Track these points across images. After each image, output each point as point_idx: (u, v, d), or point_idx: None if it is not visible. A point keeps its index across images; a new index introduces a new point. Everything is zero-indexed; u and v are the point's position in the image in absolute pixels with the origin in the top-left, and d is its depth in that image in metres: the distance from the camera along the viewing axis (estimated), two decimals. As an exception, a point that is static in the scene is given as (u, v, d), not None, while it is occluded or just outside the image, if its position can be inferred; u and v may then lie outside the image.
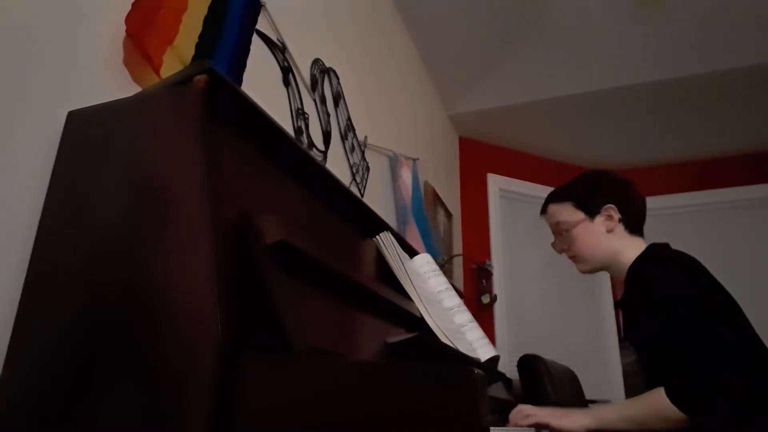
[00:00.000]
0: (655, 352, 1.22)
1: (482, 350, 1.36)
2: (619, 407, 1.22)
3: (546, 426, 1.19)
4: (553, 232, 1.50)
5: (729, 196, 3.49)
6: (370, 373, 0.59)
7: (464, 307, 1.46)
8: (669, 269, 1.27)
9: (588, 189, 1.45)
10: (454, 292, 1.46)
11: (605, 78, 2.93)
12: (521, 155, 3.67)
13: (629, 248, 1.37)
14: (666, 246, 1.37)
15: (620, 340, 3.41)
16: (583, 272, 1.47)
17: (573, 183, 1.49)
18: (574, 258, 1.45)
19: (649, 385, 1.19)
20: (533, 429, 1.20)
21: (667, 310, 1.19)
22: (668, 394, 1.10)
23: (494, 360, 1.39)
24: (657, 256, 1.33)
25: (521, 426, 1.19)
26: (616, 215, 1.39)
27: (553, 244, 1.50)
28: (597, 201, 1.41)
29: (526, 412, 1.20)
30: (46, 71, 0.83)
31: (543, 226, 1.57)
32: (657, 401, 1.11)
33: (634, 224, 1.41)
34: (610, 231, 1.39)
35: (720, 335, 1.12)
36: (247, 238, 0.68)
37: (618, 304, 1.36)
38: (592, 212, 1.41)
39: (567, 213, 1.44)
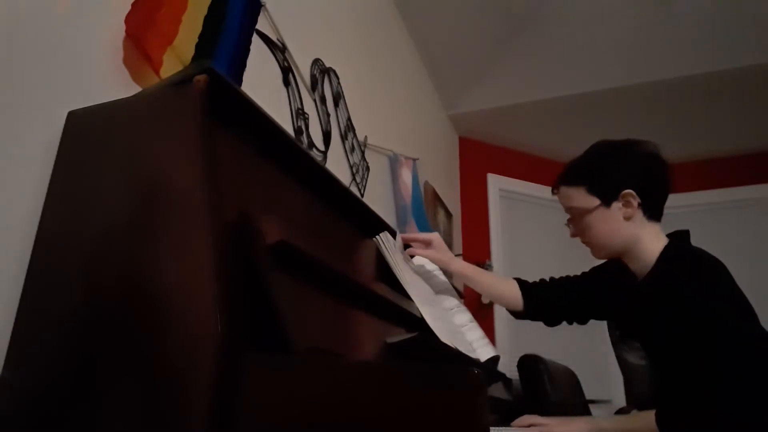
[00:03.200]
0: (673, 358, 1.18)
1: (482, 350, 1.36)
2: (617, 420, 1.21)
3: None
4: (567, 213, 1.35)
5: (729, 196, 3.49)
6: (370, 373, 0.59)
7: (464, 308, 1.46)
8: (706, 278, 1.17)
9: (604, 170, 1.29)
10: (454, 292, 1.46)
11: (604, 78, 2.93)
12: (521, 155, 3.67)
13: (648, 236, 1.26)
14: (688, 241, 1.28)
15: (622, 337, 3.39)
16: (598, 258, 1.35)
17: (588, 159, 1.32)
18: (588, 244, 1.32)
19: (658, 388, 1.18)
20: (533, 429, 1.20)
21: (699, 320, 1.12)
22: (656, 416, 1.09)
23: (494, 360, 1.39)
24: (690, 258, 1.22)
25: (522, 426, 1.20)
26: (635, 201, 1.24)
27: (567, 225, 1.37)
28: (614, 185, 1.25)
29: (530, 421, 1.21)
30: (46, 71, 0.83)
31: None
32: (649, 421, 1.10)
33: (654, 208, 1.27)
34: (628, 218, 1.24)
35: (736, 366, 1.06)
36: (247, 238, 0.68)
37: (635, 298, 1.27)
38: (608, 198, 1.25)
39: (580, 198, 1.29)
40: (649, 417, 1.12)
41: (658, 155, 1.30)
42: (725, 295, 1.14)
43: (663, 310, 1.19)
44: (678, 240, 1.28)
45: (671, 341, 1.17)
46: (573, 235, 1.35)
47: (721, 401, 1.05)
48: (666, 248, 1.25)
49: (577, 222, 1.31)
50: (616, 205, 1.25)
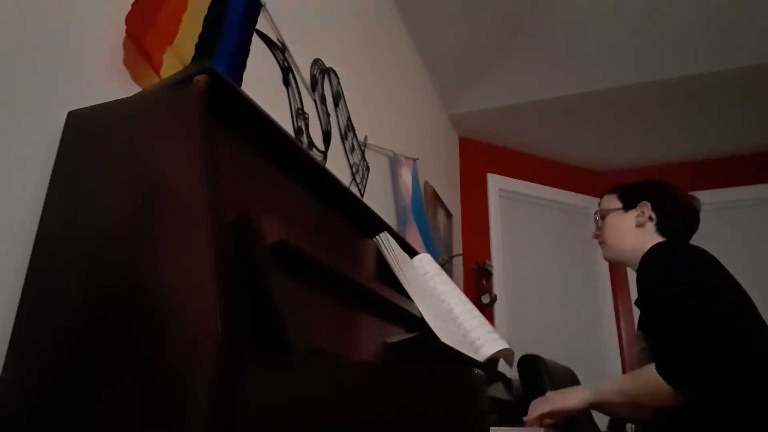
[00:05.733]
0: (657, 339, 1.24)
1: (493, 344, 1.35)
2: (617, 381, 1.28)
3: (551, 414, 1.22)
4: (600, 214, 1.59)
5: (729, 196, 3.49)
6: (370, 373, 0.59)
7: (469, 306, 1.45)
8: (669, 262, 1.29)
9: (635, 186, 1.53)
10: (457, 291, 1.45)
11: (605, 78, 2.93)
12: (521, 155, 3.67)
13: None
14: (680, 242, 1.39)
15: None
16: (606, 259, 1.56)
17: (632, 183, 1.57)
18: (602, 244, 1.54)
19: None
20: (534, 429, 1.20)
21: (663, 300, 1.21)
22: (657, 367, 1.13)
23: (502, 355, 1.39)
24: (662, 249, 1.34)
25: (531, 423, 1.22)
26: (648, 212, 1.44)
27: (594, 219, 1.61)
28: (636, 196, 1.48)
29: (537, 412, 1.24)
30: (46, 71, 0.83)
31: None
32: (648, 375, 1.15)
33: (667, 228, 1.43)
34: (639, 226, 1.44)
35: (713, 319, 1.14)
36: (247, 238, 0.68)
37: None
38: (628, 205, 1.49)
39: (609, 202, 1.54)
40: (644, 372, 1.17)
41: (690, 202, 1.48)
42: (685, 276, 1.23)
43: (643, 305, 1.30)
44: (663, 242, 1.38)
45: (654, 328, 1.25)
46: (593, 236, 1.58)
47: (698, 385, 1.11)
48: (645, 252, 1.35)
49: (600, 221, 1.54)
50: (633, 213, 1.47)
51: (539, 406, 1.27)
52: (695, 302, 1.16)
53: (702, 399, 1.09)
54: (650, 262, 1.31)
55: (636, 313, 1.38)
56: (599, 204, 1.59)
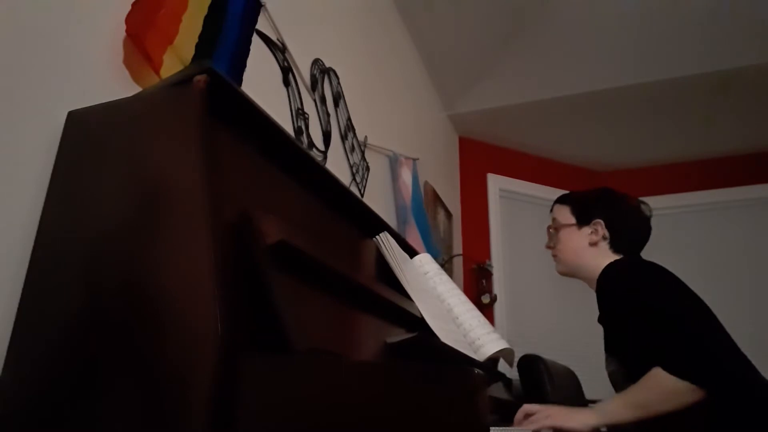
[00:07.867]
0: (635, 353, 1.26)
1: (492, 344, 1.35)
2: (623, 397, 1.20)
3: (551, 427, 1.19)
4: (552, 224, 1.59)
5: (729, 196, 3.49)
6: (371, 373, 0.59)
7: (469, 305, 1.45)
8: (630, 276, 1.33)
9: (588, 200, 1.52)
10: (456, 291, 1.45)
11: (605, 78, 2.93)
12: (521, 155, 3.68)
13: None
14: (634, 258, 1.43)
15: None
16: (559, 272, 1.57)
17: (583, 192, 1.57)
18: (555, 257, 1.55)
19: None
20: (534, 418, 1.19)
21: (636, 309, 1.25)
22: (669, 368, 1.12)
23: (502, 355, 1.38)
24: (619, 265, 1.38)
25: (524, 426, 1.20)
26: (602, 231, 1.45)
27: (547, 231, 1.60)
28: (590, 213, 1.48)
29: (531, 411, 1.21)
30: (46, 71, 0.83)
31: (543, 226, 1.61)
32: (659, 379, 1.12)
33: (621, 245, 1.45)
34: (592, 244, 1.45)
35: (691, 321, 1.19)
36: (247, 238, 0.68)
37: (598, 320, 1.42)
38: (582, 221, 1.49)
39: (562, 214, 1.53)
40: (652, 379, 1.14)
41: (642, 212, 1.49)
42: (649, 285, 1.28)
43: (609, 322, 1.37)
44: (618, 261, 1.42)
45: (628, 342, 1.29)
46: (546, 247, 1.58)
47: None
48: (601, 271, 1.39)
49: (554, 234, 1.55)
50: (586, 230, 1.47)
51: (540, 414, 1.22)
52: (668, 305, 1.22)
53: (716, 387, 1.11)
54: (611, 279, 1.34)
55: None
56: (551, 211, 1.58)
